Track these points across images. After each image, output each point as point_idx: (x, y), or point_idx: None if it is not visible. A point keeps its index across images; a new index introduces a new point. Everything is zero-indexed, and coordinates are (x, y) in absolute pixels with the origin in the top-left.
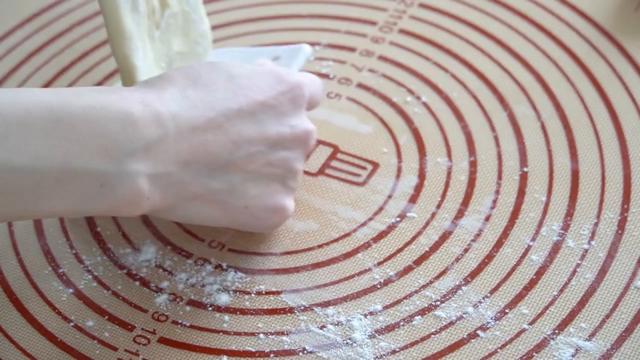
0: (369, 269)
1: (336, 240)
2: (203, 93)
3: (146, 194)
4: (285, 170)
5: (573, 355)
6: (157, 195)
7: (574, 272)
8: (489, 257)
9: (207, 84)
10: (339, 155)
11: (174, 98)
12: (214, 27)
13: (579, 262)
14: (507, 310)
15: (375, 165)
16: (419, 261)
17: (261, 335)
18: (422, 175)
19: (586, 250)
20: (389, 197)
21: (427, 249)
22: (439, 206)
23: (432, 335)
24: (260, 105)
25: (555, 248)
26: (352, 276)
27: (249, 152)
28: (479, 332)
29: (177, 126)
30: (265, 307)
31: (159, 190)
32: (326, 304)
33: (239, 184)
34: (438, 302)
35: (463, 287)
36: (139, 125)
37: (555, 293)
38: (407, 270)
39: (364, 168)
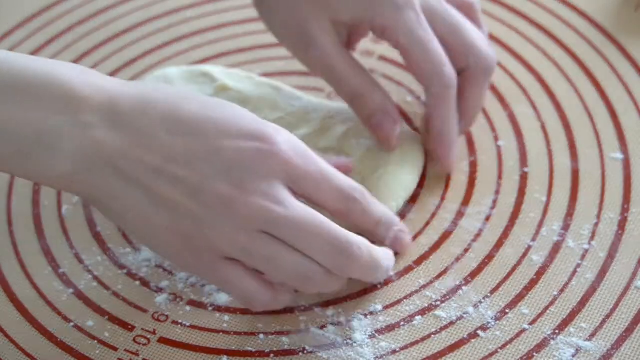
0: None
1: None
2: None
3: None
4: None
5: (573, 356)
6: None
7: (574, 272)
8: (489, 257)
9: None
10: None
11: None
12: (211, 29)
13: (579, 262)
14: (507, 310)
15: None
16: (419, 261)
17: (261, 336)
18: (422, 176)
19: (586, 251)
20: None
21: (427, 249)
22: (439, 206)
23: (433, 335)
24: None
25: (556, 248)
26: None
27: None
28: (479, 332)
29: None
30: None
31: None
32: (326, 304)
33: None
34: (438, 302)
35: (463, 287)
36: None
37: (555, 293)
38: (407, 270)
39: None
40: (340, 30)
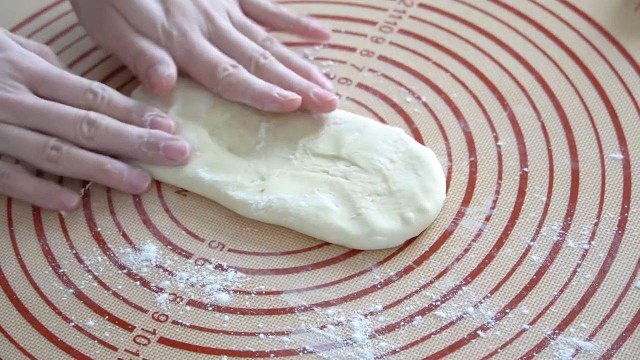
0: (369, 269)
1: None
2: None
3: None
4: None
5: (573, 356)
6: None
7: (574, 272)
8: (489, 257)
9: None
10: None
11: None
12: None
13: (579, 262)
14: (507, 310)
15: None
16: (419, 261)
17: (261, 335)
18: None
19: (586, 250)
20: None
21: (427, 249)
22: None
23: (433, 335)
24: None
25: (556, 248)
26: (352, 276)
27: None
28: (479, 332)
29: None
30: (265, 307)
31: None
32: (326, 304)
33: None
34: (438, 302)
35: (463, 287)
36: None
37: (555, 293)
38: (407, 270)
39: None
40: None
